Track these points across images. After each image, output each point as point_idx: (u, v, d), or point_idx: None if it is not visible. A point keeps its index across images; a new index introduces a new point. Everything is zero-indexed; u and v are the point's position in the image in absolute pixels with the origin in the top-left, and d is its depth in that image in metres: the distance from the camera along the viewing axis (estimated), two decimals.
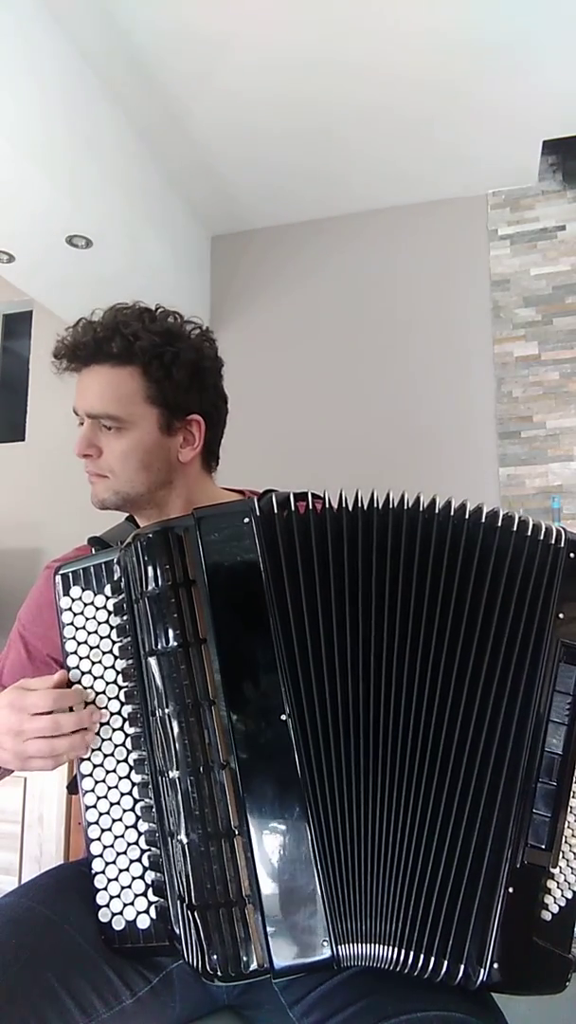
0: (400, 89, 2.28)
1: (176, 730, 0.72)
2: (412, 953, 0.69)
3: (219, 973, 0.68)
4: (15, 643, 1.04)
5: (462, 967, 0.68)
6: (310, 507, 0.78)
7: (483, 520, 0.77)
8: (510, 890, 0.70)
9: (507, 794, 0.71)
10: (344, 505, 0.77)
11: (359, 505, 0.77)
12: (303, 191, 2.81)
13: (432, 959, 0.69)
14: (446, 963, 0.69)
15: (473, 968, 0.68)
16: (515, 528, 0.77)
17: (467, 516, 0.77)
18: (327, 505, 0.77)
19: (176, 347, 0.98)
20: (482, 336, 2.71)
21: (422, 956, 0.69)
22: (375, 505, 0.78)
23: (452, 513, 0.78)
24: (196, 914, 0.69)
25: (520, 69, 2.21)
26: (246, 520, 0.75)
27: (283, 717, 0.71)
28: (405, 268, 2.83)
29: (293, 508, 0.77)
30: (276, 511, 0.76)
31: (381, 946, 0.70)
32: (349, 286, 2.88)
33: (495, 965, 0.68)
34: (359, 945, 0.70)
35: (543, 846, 0.71)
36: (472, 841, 0.71)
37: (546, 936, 0.70)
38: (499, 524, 0.77)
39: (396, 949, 0.70)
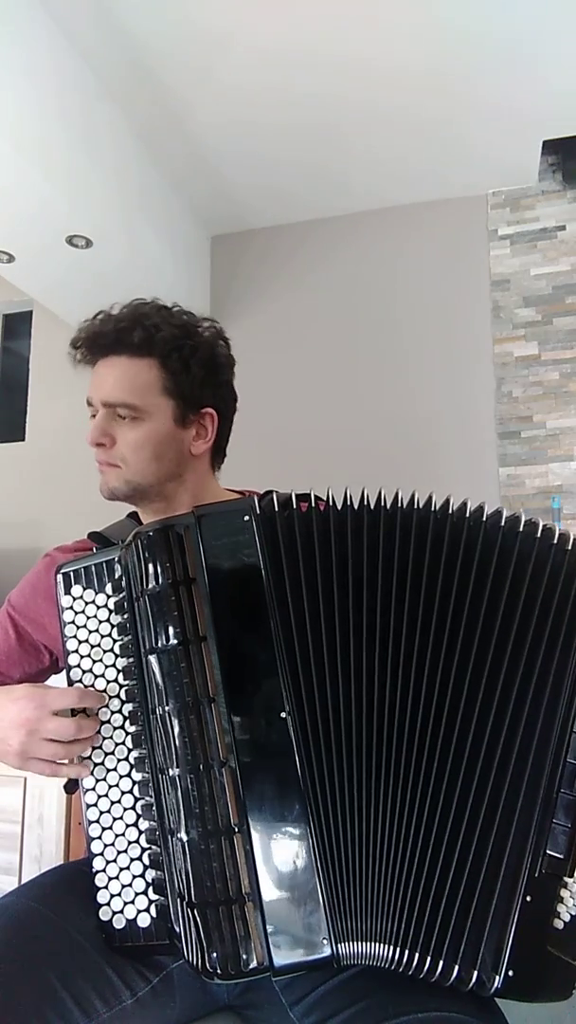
0: (400, 90, 2.29)
1: (176, 728, 0.71)
2: (412, 953, 0.69)
3: (219, 971, 0.68)
4: (3, 625, 1.03)
5: (475, 973, 0.68)
6: (312, 506, 0.77)
7: (503, 524, 0.75)
8: (527, 898, 0.69)
9: (528, 804, 0.70)
10: (349, 503, 0.77)
11: (364, 503, 0.77)
12: (303, 191, 2.81)
13: (440, 961, 0.68)
14: (456, 967, 0.68)
15: (487, 975, 0.68)
16: (539, 534, 0.75)
17: (484, 519, 0.76)
18: (330, 504, 0.77)
19: (195, 341, 1.00)
20: (482, 336, 2.71)
21: (428, 958, 0.68)
22: (382, 504, 0.77)
23: (468, 515, 0.76)
24: (196, 912, 0.69)
25: (520, 69, 2.21)
26: (246, 518, 0.74)
27: (283, 715, 0.71)
28: (405, 268, 2.83)
29: (295, 507, 0.76)
30: (277, 510, 0.76)
31: (380, 945, 0.70)
32: (349, 286, 2.88)
33: (510, 972, 0.68)
34: (359, 944, 0.70)
35: (561, 855, 0.70)
36: (488, 847, 0.70)
37: (557, 944, 0.69)
38: (520, 529, 0.75)
39: (395, 948, 0.69)
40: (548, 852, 0.70)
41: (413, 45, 2.11)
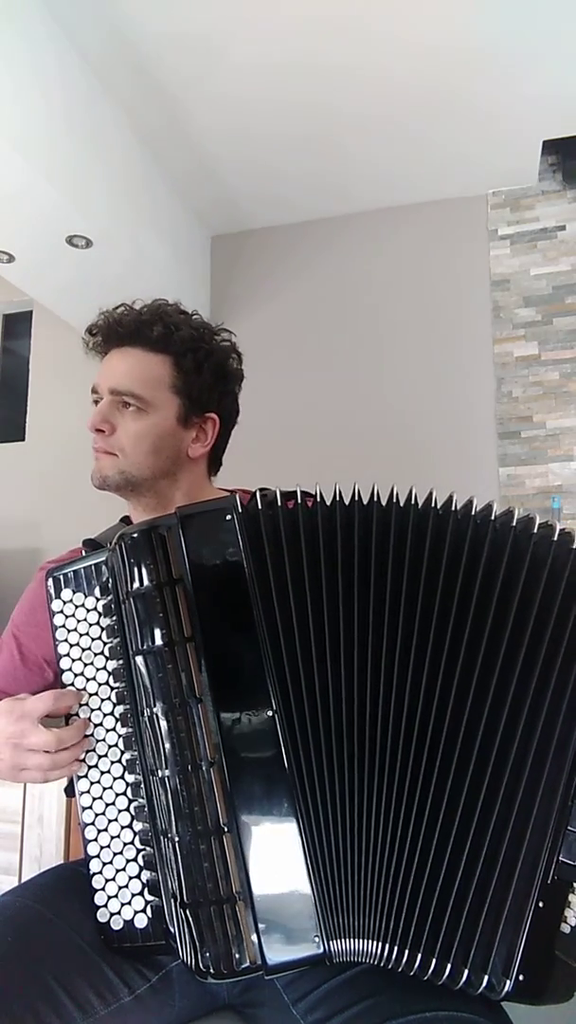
0: (400, 90, 2.29)
1: (164, 729, 0.72)
2: (413, 953, 0.69)
3: (212, 970, 0.68)
4: (7, 644, 1.04)
5: (486, 977, 0.67)
6: (300, 503, 0.77)
7: (513, 524, 0.74)
8: (540, 904, 0.68)
9: (544, 810, 0.69)
10: (339, 500, 0.76)
11: (357, 500, 0.76)
12: (303, 191, 2.81)
13: (448, 963, 0.68)
14: (466, 970, 0.67)
15: (498, 979, 0.67)
16: (555, 537, 0.73)
17: (493, 518, 0.75)
18: (319, 500, 0.77)
19: (210, 346, 1.03)
20: (482, 336, 2.71)
21: (434, 959, 0.68)
22: (376, 500, 0.76)
23: (473, 513, 0.75)
24: (188, 912, 0.69)
25: (520, 69, 2.21)
26: (228, 517, 0.74)
27: (270, 713, 0.71)
28: (405, 268, 2.83)
29: (280, 505, 0.76)
30: (261, 508, 0.75)
31: (372, 942, 0.70)
32: (349, 286, 2.88)
33: (520, 977, 0.67)
34: (350, 940, 0.70)
35: (574, 863, 0.69)
36: (500, 853, 0.69)
37: (564, 949, 0.69)
38: (534, 531, 0.73)
39: (387, 946, 0.69)
40: (561, 859, 0.69)
41: (411, 48, 2.12)
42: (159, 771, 0.72)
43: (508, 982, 0.67)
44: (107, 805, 0.78)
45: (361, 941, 0.70)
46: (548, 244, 2.72)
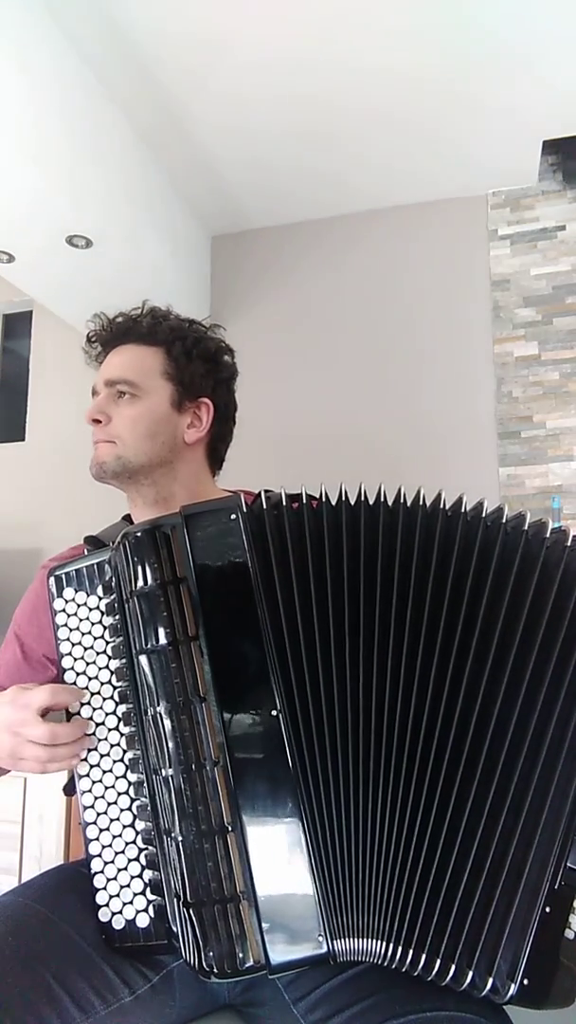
0: (400, 90, 2.28)
1: (168, 728, 0.72)
2: (417, 952, 0.69)
3: (215, 970, 0.68)
4: (10, 643, 1.05)
5: (491, 980, 0.67)
6: (304, 504, 0.77)
7: (525, 528, 0.74)
8: (546, 909, 0.68)
9: (553, 816, 0.69)
10: (345, 500, 0.76)
11: (363, 500, 0.76)
12: (303, 191, 2.81)
13: (452, 964, 0.68)
14: (471, 972, 0.67)
15: (503, 982, 0.67)
16: (569, 543, 0.73)
17: (504, 521, 0.75)
18: (324, 500, 0.77)
19: (198, 334, 1.07)
20: (482, 336, 2.71)
21: (438, 959, 0.68)
22: (382, 501, 0.76)
23: (484, 515, 0.75)
24: (192, 911, 0.69)
25: (520, 69, 2.20)
26: (233, 516, 0.75)
27: (274, 713, 0.71)
28: (405, 268, 2.83)
29: (285, 505, 0.76)
30: (266, 508, 0.76)
31: (375, 941, 0.70)
32: (349, 286, 2.88)
33: (525, 981, 0.67)
34: (354, 940, 0.70)
35: None
36: (507, 856, 0.69)
37: (568, 954, 0.69)
38: (547, 535, 0.73)
39: (390, 945, 0.69)
40: (569, 865, 0.69)
41: (411, 47, 2.11)
42: (162, 770, 0.72)
43: (513, 986, 0.67)
44: (109, 804, 0.78)
45: (365, 940, 0.70)
46: (548, 244, 2.72)
